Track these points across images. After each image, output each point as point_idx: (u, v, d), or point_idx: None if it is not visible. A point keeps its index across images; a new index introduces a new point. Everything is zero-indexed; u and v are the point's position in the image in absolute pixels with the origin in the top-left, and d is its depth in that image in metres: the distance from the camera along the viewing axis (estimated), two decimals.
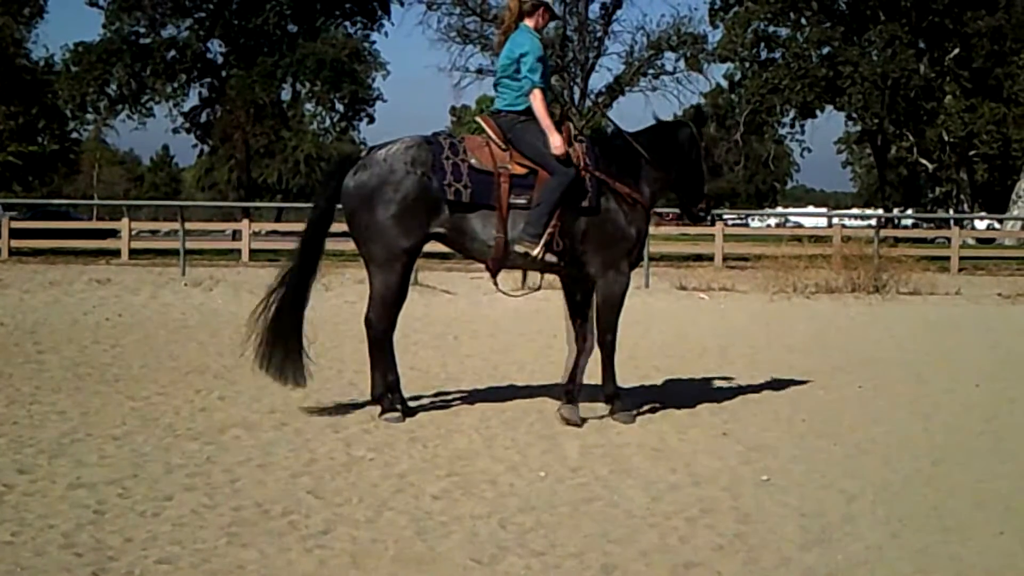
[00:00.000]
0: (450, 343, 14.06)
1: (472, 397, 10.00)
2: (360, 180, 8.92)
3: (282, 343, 9.15)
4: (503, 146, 9.16)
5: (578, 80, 49.02)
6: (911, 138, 58.05)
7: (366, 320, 9.16)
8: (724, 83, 62.31)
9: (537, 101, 9.15)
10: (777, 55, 56.62)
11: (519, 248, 9.04)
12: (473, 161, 9.02)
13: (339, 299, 19.32)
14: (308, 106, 64.53)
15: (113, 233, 40.42)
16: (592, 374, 9.62)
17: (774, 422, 9.28)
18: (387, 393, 9.13)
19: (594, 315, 9.69)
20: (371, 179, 8.88)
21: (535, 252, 9.03)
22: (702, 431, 8.87)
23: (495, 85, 9.49)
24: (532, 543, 5.81)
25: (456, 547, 5.73)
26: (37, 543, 5.63)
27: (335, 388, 10.33)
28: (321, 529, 5.97)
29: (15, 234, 36.56)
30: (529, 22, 9.40)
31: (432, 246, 9.50)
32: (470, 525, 6.11)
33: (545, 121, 9.15)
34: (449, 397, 10.04)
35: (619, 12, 50.07)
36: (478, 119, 9.56)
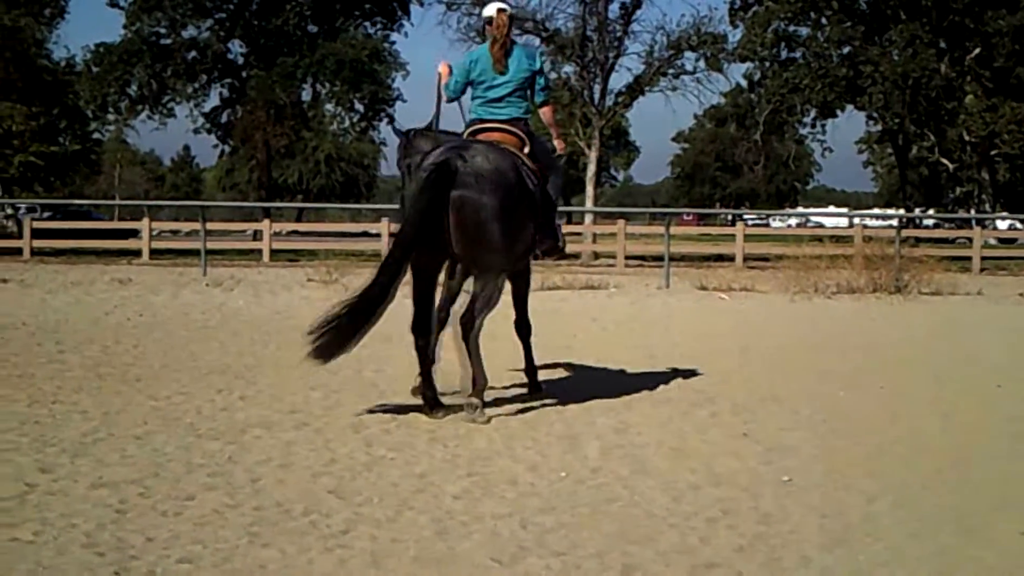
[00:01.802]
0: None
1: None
2: (494, 193, 8.94)
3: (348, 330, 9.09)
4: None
5: (598, 80, 48.88)
6: (932, 138, 57.90)
7: (465, 323, 9.26)
8: (744, 83, 62.20)
9: (551, 112, 10.21)
10: (797, 55, 56.48)
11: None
12: (529, 163, 9.46)
13: None
14: (328, 106, 64.73)
15: (134, 233, 40.66)
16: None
17: (794, 423, 9.26)
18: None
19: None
20: (497, 189, 8.97)
21: (561, 243, 9.84)
22: (722, 431, 8.85)
23: (501, 97, 9.76)
24: (553, 543, 5.81)
25: (477, 547, 5.73)
26: (59, 542, 5.65)
27: (355, 388, 10.34)
28: (342, 529, 5.98)
29: (37, 234, 36.73)
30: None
31: None
32: (491, 525, 6.11)
33: (557, 129, 10.33)
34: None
35: (639, 12, 49.87)
36: (505, 126, 9.68)
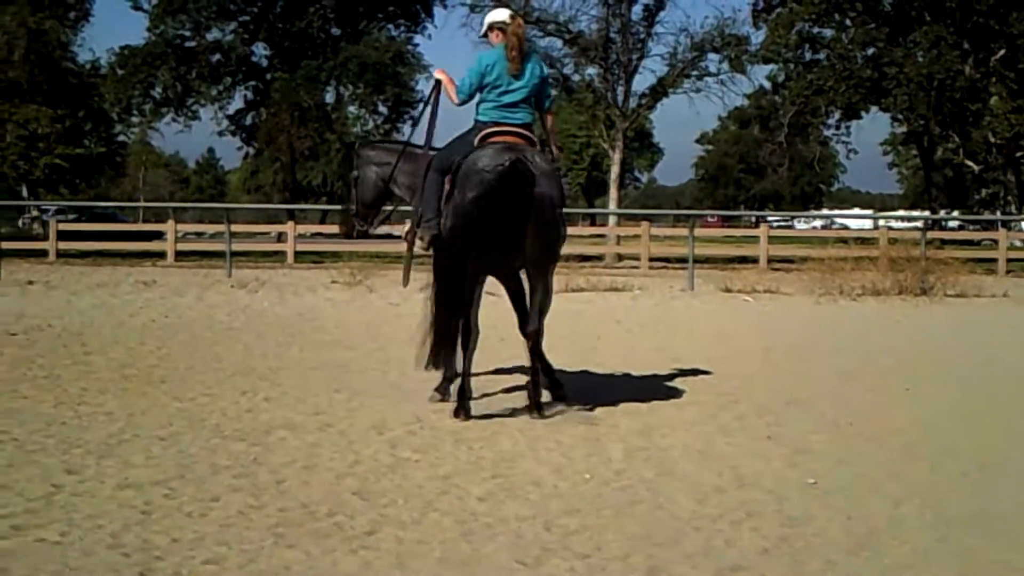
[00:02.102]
0: (495, 345, 14.05)
1: (516, 399, 9.97)
2: (559, 191, 9.34)
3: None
4: None
5: (621, 82, 48.76)
6: (957, 139, 57.61)
7: (535, 332, 9.50)
8: (767, 85, 62.02)
9: (554, 120, 10.28)
10: (821, 56, 56.17)
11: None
12: None
13: (382, 301, 19.38)
14: (351, 109, 64.75)
15: (159, 235, 40.78)
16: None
17: (820, 425, 9.23)
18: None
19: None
20: (559, 187, 9.42)
21: None
22: (747, 434, 8.84)
23: (516, 102, 9.73)
24: (577, 545, 5.81)
25: (501, 549, 5.73)
26: (85, 543, 5.67)
27: (379, 389, 10.35)
28: (366, 530, 5.99)
29: (63, 236, 36.91)
30: None
31: None
32: (515, 527, 6.11)
33: (556, 136, 10.36)
34: (494, 399, 10.02)
35: (662, 14, 49.61)
36: (520, 130, 9.67)
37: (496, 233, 9.00)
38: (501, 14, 9.94)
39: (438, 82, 10.24)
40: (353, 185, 10.82)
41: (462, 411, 9.16)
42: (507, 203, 8.93)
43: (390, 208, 11.13)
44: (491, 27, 9.95)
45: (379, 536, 5.89)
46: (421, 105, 10.61)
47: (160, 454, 7.69)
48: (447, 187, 9.42)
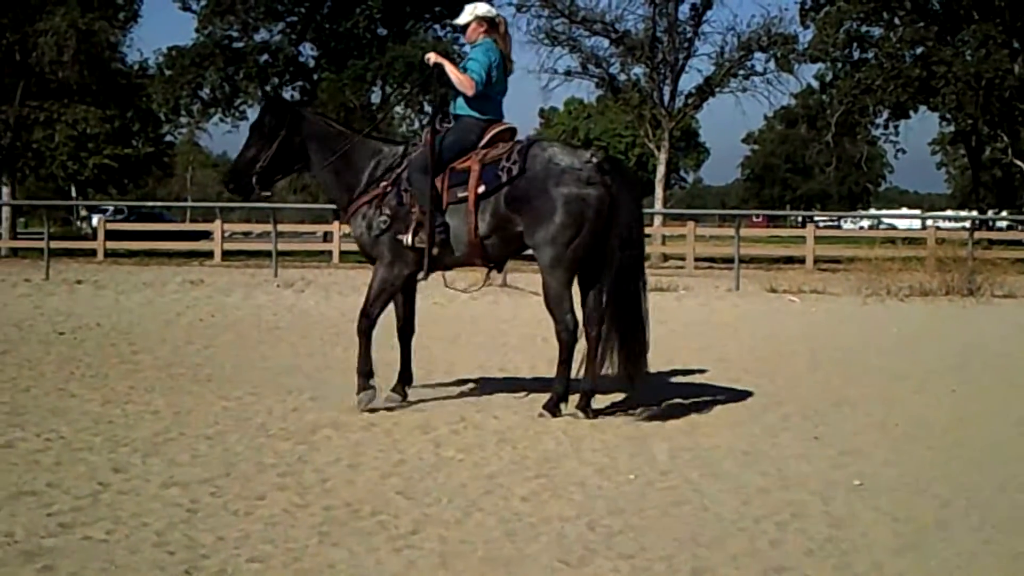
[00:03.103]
0: (538, 345, 14.04)
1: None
2: None
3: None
4: None
5: (667, 81, 48.61)
6: (1006, 139, 57.11)
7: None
8: (815, 84, 61.67)
9: None
10: (870, 55, 55.78)
11: None
12: None
13: (427, 301, 19.38)
14: (398, 109, 64.88)
15: (206, 235, 41.04)
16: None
17: (866, 426, 9.18)
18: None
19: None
20: None
21: None
22: (793, 435, 8.80)
23: (501, 100, 9.74)
24: (620, 546, 5.80)
25: (544, 549, 5.73)
26: (131, 541, 5.70)
27: (424, 389, 10.35)
28: (410, 529, 6.00)
29: (111, 236, 37.20)
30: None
31: None
32: (558, 527, 6.10)
33: None
34: (538, 399, 9.99)
35: (709, 13, 49.39)
36: (511, 127, 9.63)
37: (610, 228, 8.98)
38: (491, 9, 9.72)
39: (437, 66, 9.64)
40: (274, 142, 9.91)
41: (558, 410, 9.23)
42: (621, 196, 8.99)
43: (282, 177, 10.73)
44: (478, 20, 9.57)
45: (423, 535, 5.90)
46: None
47: (206, 452, 7.74)
48: (487, 188, 9.15)
